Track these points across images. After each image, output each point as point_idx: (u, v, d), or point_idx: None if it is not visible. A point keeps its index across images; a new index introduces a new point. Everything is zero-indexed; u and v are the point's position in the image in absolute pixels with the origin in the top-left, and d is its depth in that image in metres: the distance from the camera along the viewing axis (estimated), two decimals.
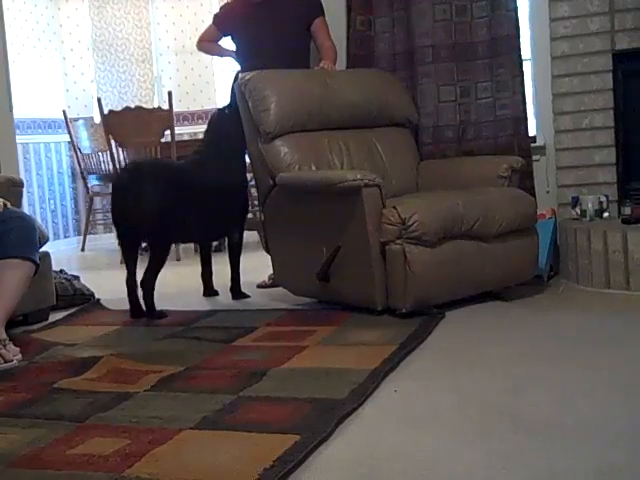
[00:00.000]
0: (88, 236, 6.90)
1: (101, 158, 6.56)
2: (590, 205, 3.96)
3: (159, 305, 3.70)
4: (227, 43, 4.64)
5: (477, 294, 3.56)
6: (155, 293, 3.65)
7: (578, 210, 4.01)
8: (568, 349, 2.80)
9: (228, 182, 3.96)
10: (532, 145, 4.24)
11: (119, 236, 3.87)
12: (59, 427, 2.20)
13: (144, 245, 4.06)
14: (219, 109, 4.22)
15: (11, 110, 4.51)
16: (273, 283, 4.18)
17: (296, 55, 4.31)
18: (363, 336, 3.09)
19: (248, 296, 4.09)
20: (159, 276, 3.69)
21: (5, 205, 3.35)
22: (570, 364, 2.61)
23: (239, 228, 4.14)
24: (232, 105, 4.01)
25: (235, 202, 4.05)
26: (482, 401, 2.30)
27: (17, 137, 4.70)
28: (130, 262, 3.80)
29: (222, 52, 4.76)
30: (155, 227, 3.66)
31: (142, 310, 3.72)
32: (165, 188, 3.67)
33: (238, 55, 4.52)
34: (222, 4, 5.05)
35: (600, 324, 3.15)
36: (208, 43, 4.70)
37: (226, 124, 4.03)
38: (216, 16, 4.69)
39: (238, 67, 4.46)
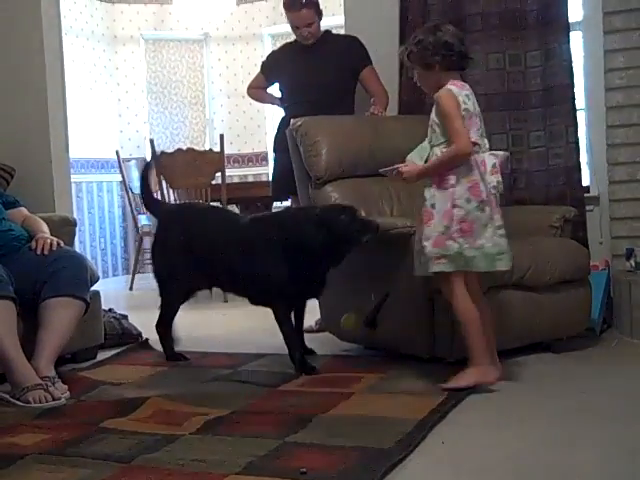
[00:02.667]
0: (137, 275, 6.96)
1: None
2: None
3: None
4: (275, 90, 4.71)
5: (527, 345, 3.50)
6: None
7: (632, 262, 3.95)
8: (619, 406, 2.73)
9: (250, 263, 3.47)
10: (585, 195, 4.20)
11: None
12: (105, 467, 2.20)
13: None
14: (309, 215, 3.43)
15: (67, 150, 4.60)
16: (320, 328, 4.16)
17: (341, 101, 4.34)
18: (410, 385, 3.05)
19: None
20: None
21: (58, 244, 3.40)
22: (622, 421, 2.55)
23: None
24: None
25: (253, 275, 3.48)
26: (531, 456, 2.25)
27: (71, 176, 4.78)
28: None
29: (268, 100, 4.84)
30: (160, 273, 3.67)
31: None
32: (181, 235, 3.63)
33: (283, 101, 4.58)
34: (270, 52, 5.14)
35: None
36: (257, 90, 4.79)
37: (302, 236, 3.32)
38: (263, 64, 4.76)
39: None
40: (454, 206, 2.90)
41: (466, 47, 3.02)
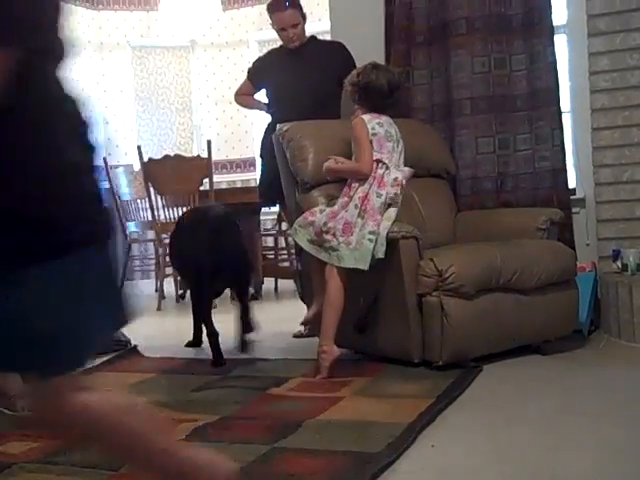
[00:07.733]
0: (125, 282, 6.94)
1: (140, 205, 6.63)
2: (631, 259, 3.90)
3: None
4: (263, 96, 4.71)
5: (515, 347, 3.51)
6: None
7: (619, 264, 3.96)
8: (608, 406, 2.74)
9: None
10: (572, 197, 4.21)
11: None
12: (93, 475, 2.19)
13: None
14: None
15: None
16: (309, 333, 4.15)
17: (327, 106, 4.34)
18: (399, 388, 3.05)
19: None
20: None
21: None
22: (610, 422, 2.55)
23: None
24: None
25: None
26: (520, 458, 2.26)
27: None
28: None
29: (256, 106, 4.85)
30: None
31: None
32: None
33: (270, 106, 4.58)
34: (256, 58, 5.16)
35: None
36: (244, 97, 4.81)
37: None
38: (249, 70, 4.77)
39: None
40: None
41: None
